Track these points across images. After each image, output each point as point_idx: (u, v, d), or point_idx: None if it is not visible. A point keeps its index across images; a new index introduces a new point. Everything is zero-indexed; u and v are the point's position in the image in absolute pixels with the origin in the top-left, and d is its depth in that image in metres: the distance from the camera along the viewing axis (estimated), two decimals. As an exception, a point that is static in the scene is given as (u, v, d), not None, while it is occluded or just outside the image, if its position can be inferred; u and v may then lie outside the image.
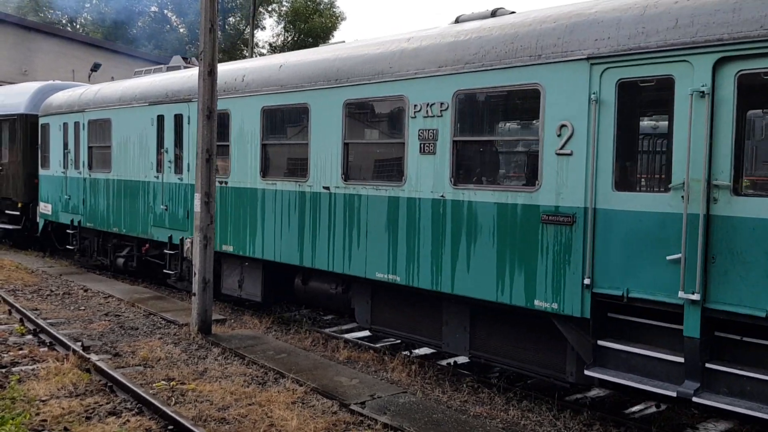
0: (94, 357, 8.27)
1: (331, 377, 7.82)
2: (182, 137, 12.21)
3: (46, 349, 8.84)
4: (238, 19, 50.14)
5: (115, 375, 7.51)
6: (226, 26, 48.53)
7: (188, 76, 12.46)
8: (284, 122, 10.48)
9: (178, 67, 14.57)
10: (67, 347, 8.70)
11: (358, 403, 6.95)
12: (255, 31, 39.29)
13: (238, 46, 48.51)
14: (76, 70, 26.82)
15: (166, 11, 49.59)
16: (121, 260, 14.67)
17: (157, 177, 12.84)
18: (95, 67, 24.80)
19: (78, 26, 49.07)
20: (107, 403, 6.82)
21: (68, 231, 16.32)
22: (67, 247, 16.68)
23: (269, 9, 49.93)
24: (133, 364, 8.28)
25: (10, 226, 19.06)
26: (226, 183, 11.05)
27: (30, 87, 19.21)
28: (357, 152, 9.29)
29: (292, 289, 10.72)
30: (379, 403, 7.00)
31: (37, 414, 6.44)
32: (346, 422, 6.54)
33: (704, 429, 6.97)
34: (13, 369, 7.87)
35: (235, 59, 34.60)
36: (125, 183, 13.87)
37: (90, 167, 15.10)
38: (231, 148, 11.01)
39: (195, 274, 9.62)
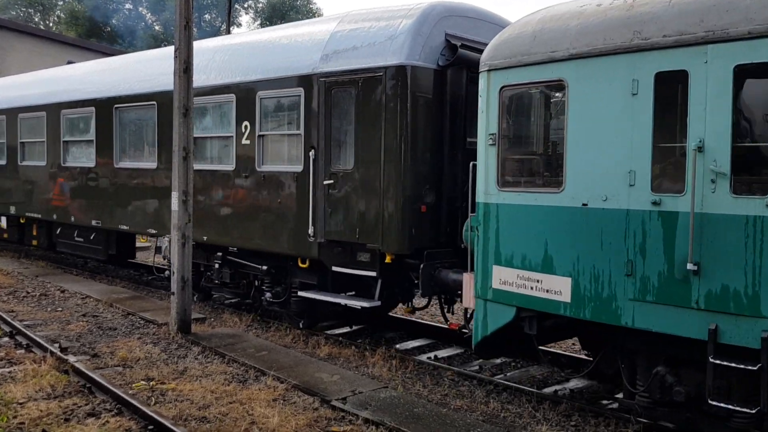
0: (72, 358, 8.20)
1: (312, 373, 7.83)
2: None
3: (23, 351, 8.74)
4: (214, 15, 49.80)
5: (94, 376, 7.45)
6: (202, 23, 48.17)
7: None
8: None
9: None
10: (44, 349, 8.60)
11: (339, 399, 6.97)
12: (231, 28, 39.01)
13: (214, 43, 48.17)
14: (50, 69, 26.43)
15: (140, 9, 49.09)
16: None
17: None
18: (69, 66, 24.48)
19: (51, 24, 48.44)
20: (86, 405, 6.77)
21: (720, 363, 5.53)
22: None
23: (245, 5, 49.67)
24: (111, 365, 8.22)
25: (347, 302, 9.19)
26: None
27: (398, 12, 8.94)
28: None
29: None
30: (360, 398, 7.01)
31: (15, 417, 6.36)
32: (328, 418, 6.55)
33: (681, 417, 7.07)
34: (-10, 372, 7.79)
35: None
36: None
37: None
38: None
39: (174, 273, 9.56)
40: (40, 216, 15.48)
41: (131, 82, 12.98)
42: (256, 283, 10.71)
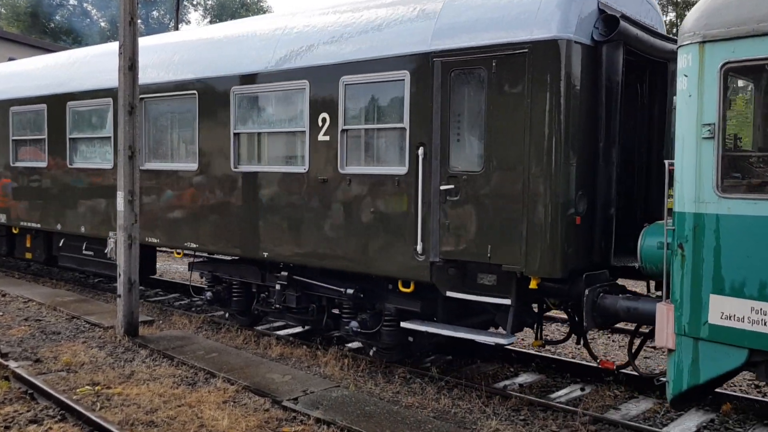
0: (12, 364, 7.94)
1: (264, 374, 7.76)
2: None
3: (-40, 357, 8.44)
4: (162, 13, 48.90)
5: (36, 381, 7.24)
6: (150, 20, 47.26)
7: None
8: None
9: None
10: (-17, 355, 8.33)
11: (290, 399, 6.92)
12: (180, 25, 38.38)
13: (162, 41, 47.35)
14: (-11, 66, 25.58)
15: (86, 5, 47.90)
16: None
17: None
18: (10, 63, 23.72)
19: (-10, 19, 46.88)
20: (27, 411, 6.57)
21: None
22: None
23: (194, 3, 48.96)
24: (55, 370, 7.99)
25: (476, 337, 7.53)
26: None
27: None
28: None
29: None
30: (311, 398, 6.98)
31: (-49, 426, 6.15)
32: (279, 419, 6.51)
33: (626, 409, 7.25)
34: (-75, 380, 7.49)
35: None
36: None
37: None
38: None
39: (120, 275, 9.35)
40: (39, 225, 13.18)
41: (165, 68, 10.68)
42: (332, 309, 9.00)
